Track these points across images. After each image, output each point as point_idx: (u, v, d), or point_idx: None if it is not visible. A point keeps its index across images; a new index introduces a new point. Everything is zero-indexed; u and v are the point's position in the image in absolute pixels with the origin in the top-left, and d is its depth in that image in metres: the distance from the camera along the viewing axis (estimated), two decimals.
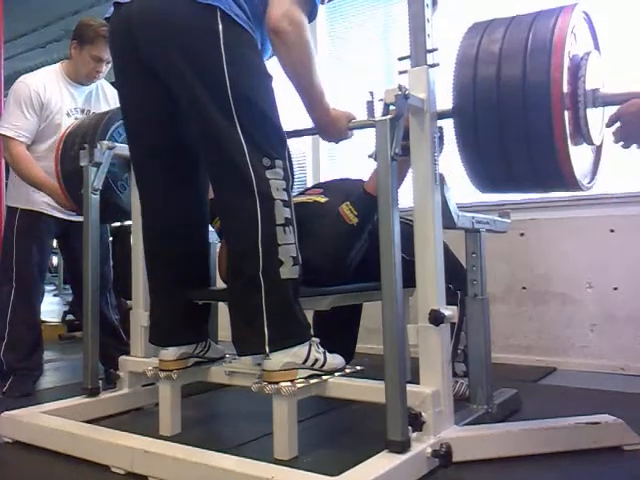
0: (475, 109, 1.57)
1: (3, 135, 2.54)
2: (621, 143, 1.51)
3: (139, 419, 2.11)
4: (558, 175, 1.55)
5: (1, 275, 2.62)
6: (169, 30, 1.63)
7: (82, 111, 2.67)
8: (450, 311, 1.59)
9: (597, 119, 1.64)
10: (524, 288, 3.01)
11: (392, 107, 1.48)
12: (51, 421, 1.86)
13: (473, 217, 1.83)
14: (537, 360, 2.91)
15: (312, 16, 1.71)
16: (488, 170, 1.65)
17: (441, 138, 1.69)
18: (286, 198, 1.65)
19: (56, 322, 4.46)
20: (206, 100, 1.61)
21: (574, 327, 2.87)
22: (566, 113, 1.49)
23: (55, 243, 2.99)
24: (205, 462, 1.48)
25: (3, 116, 2.58)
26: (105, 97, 2.76)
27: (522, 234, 2.98)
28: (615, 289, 2.78)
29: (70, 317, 4.55)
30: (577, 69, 1.56)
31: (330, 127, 1.86)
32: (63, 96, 2.63)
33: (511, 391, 2.09)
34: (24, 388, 2.50)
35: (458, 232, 1.85)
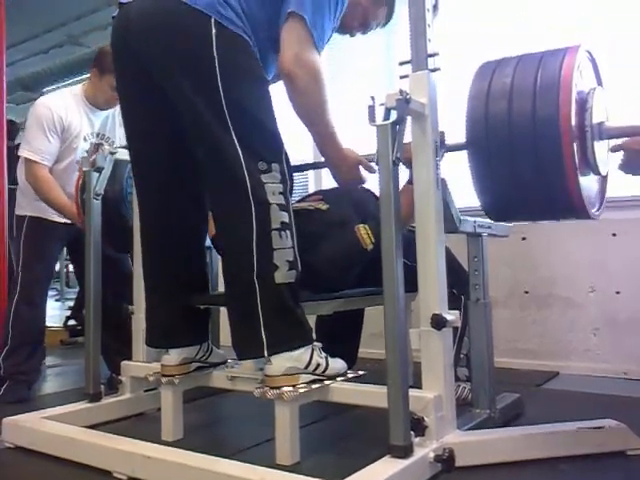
0: (488, 141, 1.62)
1: (27, 158, 2.57)
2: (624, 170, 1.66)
3: (141, 424, 2.10)
4: (568, 204, 1.60)
5: (10, 281, 2.67)
6: (163, 33, 1.64)
7: (97, 135, 2.71)
8: (452, 315, 1.59)
9: (603, 151, 1.70)
10: (526, 292, 3.00)
11: (393, 111, 1.49)
12: (53, 426, 1.86)
13: (475, 221, 1.84)
14: (540, 364, 2.90)
15: (319, 49, 1.70)
16: (501, 199, 1.69)
17: (442, 142, 1.69)
18: (283, 202, 1.64)
19: (58, 327, 4.46)
20: (200, 105, 1.62)
21: (577, 331, 2.86)
22: (574, 145, 1.54)
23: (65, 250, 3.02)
24: (207, 467, 1.48)
25: (26, 138, 2.61)
26: (121, 122, 2.78)
27: (524, 238, 2.98)
28: (617, 293, 2.77)
29: (72, 322, 4.56)
30: (583, 104, 1.61)
31: (342, 166, 1.85)
32: (82, 121, 2.67)
33: (514, 395, 2.08)
34: (18, 394, 2.50)
35: (460, 236, 1.85)
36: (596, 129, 1.63)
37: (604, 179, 1.80)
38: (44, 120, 2.57)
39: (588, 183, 1.66)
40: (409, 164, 1.63)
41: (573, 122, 1.54)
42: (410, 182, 1.62)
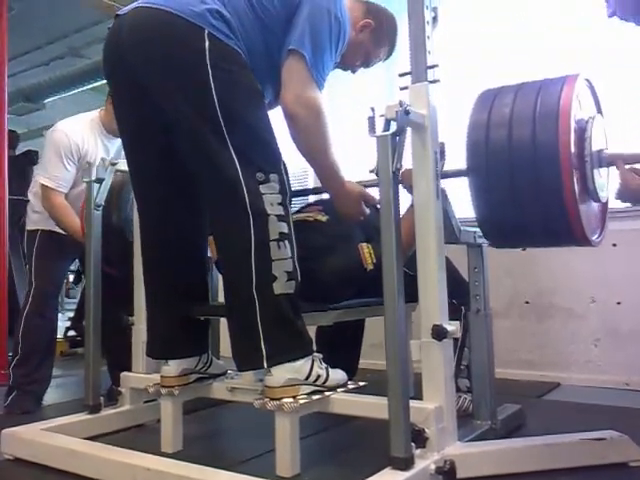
0: (488, 168, 1.63)
1: (44, 185, 2.60)
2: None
3: (141, 436, 2.10)
4: (568, 231, 1.60)
5: (24, 293, 2.72)
6: (157, 46, 1.64)
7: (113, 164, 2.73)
8: (453, 326, 1.59)
9: (603, 178, 1.71)
10: (527, 303, 3.00)
11: (393, 122, 1.49)
12: (52, 438, 1.85)
13: (475, 232, 1.84)
14: (541, 375, 2.89)
15: (320, 87, 1.72)
16: (501, 226, 1.70)
17: (442, 153, 1.69)
18: (282, 212, 1.64)
19: (58, 338, 4.44)
20: (194, 117, 1.62)
21: (578, 342, 2.85)
22: (574, 173, 1.55)
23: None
24: (207, 479, 1.47)
25: (43, 164, 2.66)
26: None
27: (524, 248, 2.97)
28: (618, 304, 2.77)
29: (72, 333, 4.54)
30: (583, 133, 1.63)
31: (345, 199, 1.88)
32: (98, 149, 2.70)
33: (515, 407, 2.08)
34: (25, 405, 2.52)
35: (460, 247, 1.85)
36: (595, 157, 1.64)
37: (604, 206, 1.82)
38: (61, 147, 2.60)
39: (588, 210, 1.67)
40: (411, 189, 1.64)
41: (572, 151, 1.55)
42: (413, 206, 1.62)
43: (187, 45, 1.62)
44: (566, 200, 1.54)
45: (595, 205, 1.75)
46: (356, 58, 2.04)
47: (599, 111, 1.79)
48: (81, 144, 2.63)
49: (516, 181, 1.58)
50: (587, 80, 1.73)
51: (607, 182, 1.75)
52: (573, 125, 1.56)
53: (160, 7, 1.64)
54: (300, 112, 1.66)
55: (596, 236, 1.74)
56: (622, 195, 1.71)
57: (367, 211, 1.93)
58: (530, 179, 1.56)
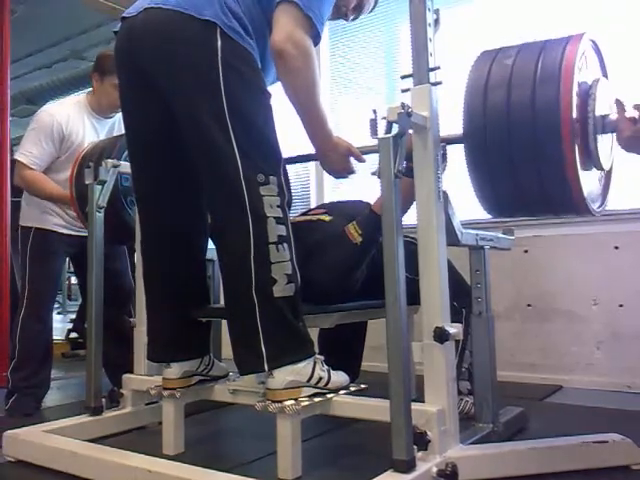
0: (485, 134, 1.58)
1: (17, 160, 2.60)
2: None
3: (142, 438, 2.09)
4: (568, 200, 1.55)
5: (17, 293, 2.70)
6: (167, 44, 1.64)
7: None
8: (455, 328, 1.58)
9: (607, 144, 1.65)
10: (529, 305, 2.99)
11: (395, 125, 1.49)
12: (54, 440, 1.85)
13: (477, 234, 1.83)
14: (543, 378, 2.89)
15: (315, 43, 1.68)
16: (499, 195, 1.65)
17: (444, 155, 1.69)
18: (280, 215, 1.64)
19: (59, 340, 4.45)
20: (202, 115, 1.62)
21: (580, 344, 2.85)
22: (576, 139, 1.49)
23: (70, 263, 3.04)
24: None
25: (22, 141, 2.65)
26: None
27: (526, 251, 2.97)
28: (620, 306, 2.76)
29: (74, 335, 4.55)
30: (586, 95, 1.57)
31: (332, 154, 1.83)
32: (86, 129, 2.69)
33: (517, 409, 2.07)
34: (25, 408, 2.51)
35: (462, 249, 1.85)
36: (599, 122, 1.57)
37: (608, 174, 1.74)
38: (42, 126, 2.60)
39: (590, 178, 1.60)
40: (410, 156, 1.60)
41: (574, 113, 1.48)
42: (407, 176, 1.55)
43: (199, 44, 1.61)
44: (565, 165, 1.47)
45: (598, 173, 1.67)
46: (350, 2, 1.97)
47: (605, 75, 1.72)
48: (65, 124, 2.62)
49: (514, 146, 1.52)
50: (593, 41, 1.65)
51: (612, 149, 1.67)
52: (576, 86, 1.49)
53: (171, 7, 1.63)
54: (291, 51, 1.61)
55: (597, 205, 1.68)
56: (617, 140, 1.61)
57: (354, 168, 1.89)
58: (529, 144, 1.50)
